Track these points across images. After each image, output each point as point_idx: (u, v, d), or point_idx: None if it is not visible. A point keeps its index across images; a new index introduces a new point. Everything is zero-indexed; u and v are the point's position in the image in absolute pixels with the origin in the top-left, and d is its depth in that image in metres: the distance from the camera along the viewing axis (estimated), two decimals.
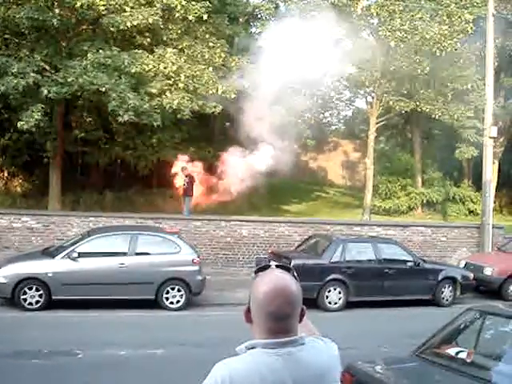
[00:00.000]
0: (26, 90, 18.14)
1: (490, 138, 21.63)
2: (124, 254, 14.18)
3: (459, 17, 22.78)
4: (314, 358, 2.56)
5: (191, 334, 12.13)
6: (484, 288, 17.85)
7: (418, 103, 24.46)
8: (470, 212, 32.60)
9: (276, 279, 2.54)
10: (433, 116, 25.70)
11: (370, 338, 12.12)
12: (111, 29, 19.21)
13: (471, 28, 22.80)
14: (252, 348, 2.52)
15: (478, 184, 28.20)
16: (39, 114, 17.92)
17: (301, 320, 2.59)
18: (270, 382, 2.44)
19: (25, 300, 13.37)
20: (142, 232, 15.14)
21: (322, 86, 25.89)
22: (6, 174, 26.86)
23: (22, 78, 17.57)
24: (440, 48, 22.33)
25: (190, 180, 20.23)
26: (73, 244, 14.37)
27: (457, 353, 6.55)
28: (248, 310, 2.59)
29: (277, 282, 2.53)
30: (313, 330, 2.85)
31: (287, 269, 2.65)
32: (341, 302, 15.10)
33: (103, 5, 18.59)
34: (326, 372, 2.59)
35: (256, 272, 2.65)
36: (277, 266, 2.63)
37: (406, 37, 22.19)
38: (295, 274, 2.64)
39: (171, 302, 14.18)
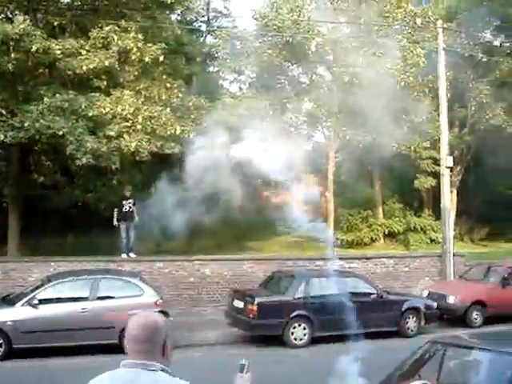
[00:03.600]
0: None
1: (447, 167, 22.02)
2: (85, 298, 14.00)
3: (411, 51, 23.33)
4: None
5: None
6: (448, 316, 17.99)
7: (375, 136, 24.82)
8: (432, 241, 32.94)
9: (144, 314, 3.33)
10: (390, 148, 26.08)
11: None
12: (68, 72, 19.20)
13: (423, 62, 23.33)
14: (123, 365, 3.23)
15: (438, 213, 28.59)
16: None
17: (163, 353, 3.21)
18: None
19: None
20: (104, 276, 14.98)
21: (281, 122, 26.14)
22: None
23: None
24: (394, 82, 22.80)
25: (133, 201, 19.57)
26: (33, 290, 14.14)
27: None
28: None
29: (143, 315, 3.30)
30: None
31: (165, 313, 3.58)
32: (306, 337, 15.05)
33: (59, 49, 18.60)
34: None
35: None
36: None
37: (360, 72, 22.62)
38: (167, 315, 3.64)
39: None
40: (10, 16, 20.56)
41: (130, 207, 19.43)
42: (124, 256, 19.06)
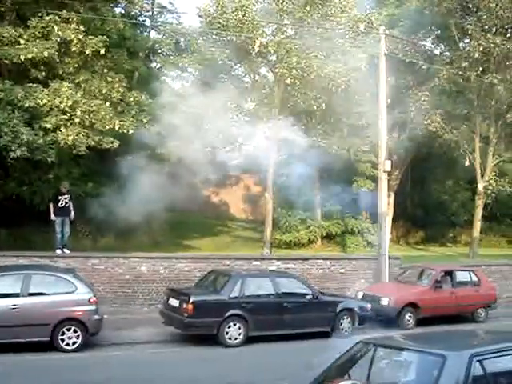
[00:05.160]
0: None
1: (385, 171, 22.34)
2: (16, 295, 13.62)
3: (353, 56, 23.61)
4: None
5: (88, 375, 11.76)
6: (382, 318, 18.25)
7: (315, 138, 25.02)
8: (369, 243, 33.41)
9: None
10: (331, 150, 26.34)
11: (270, 372, 12.12)
12: (5, 61, 18.70)
13: (364, 66, 23.63)
14: None
15: (375, 216, 29.03)
16: None
17: None
18: None
19: None
20: (36, 271, 14.57)
21: (223, 121, 26.11)
22: None
23: None
24: (335, 85, 23.02)
25: (70, 196, 19.27)
26: None
27: None
28: None
29: None
30: None
31: None
32: (241, 337, 15.06)
33: None
34: None
35: None
36: None
37: (302, 74, 22.75)
38: None
39: (67, 344, 13.70)
40: None
41: (66, 202, 19.07)
42: (58, 252, 18.67)
